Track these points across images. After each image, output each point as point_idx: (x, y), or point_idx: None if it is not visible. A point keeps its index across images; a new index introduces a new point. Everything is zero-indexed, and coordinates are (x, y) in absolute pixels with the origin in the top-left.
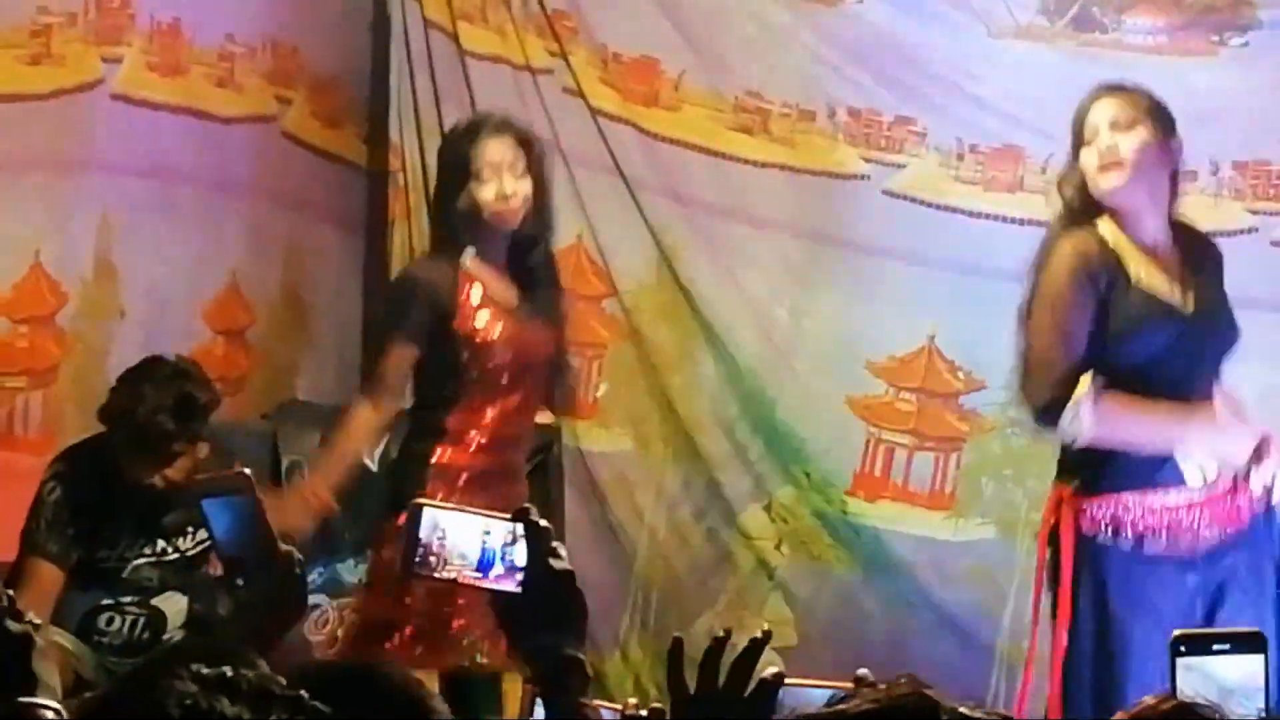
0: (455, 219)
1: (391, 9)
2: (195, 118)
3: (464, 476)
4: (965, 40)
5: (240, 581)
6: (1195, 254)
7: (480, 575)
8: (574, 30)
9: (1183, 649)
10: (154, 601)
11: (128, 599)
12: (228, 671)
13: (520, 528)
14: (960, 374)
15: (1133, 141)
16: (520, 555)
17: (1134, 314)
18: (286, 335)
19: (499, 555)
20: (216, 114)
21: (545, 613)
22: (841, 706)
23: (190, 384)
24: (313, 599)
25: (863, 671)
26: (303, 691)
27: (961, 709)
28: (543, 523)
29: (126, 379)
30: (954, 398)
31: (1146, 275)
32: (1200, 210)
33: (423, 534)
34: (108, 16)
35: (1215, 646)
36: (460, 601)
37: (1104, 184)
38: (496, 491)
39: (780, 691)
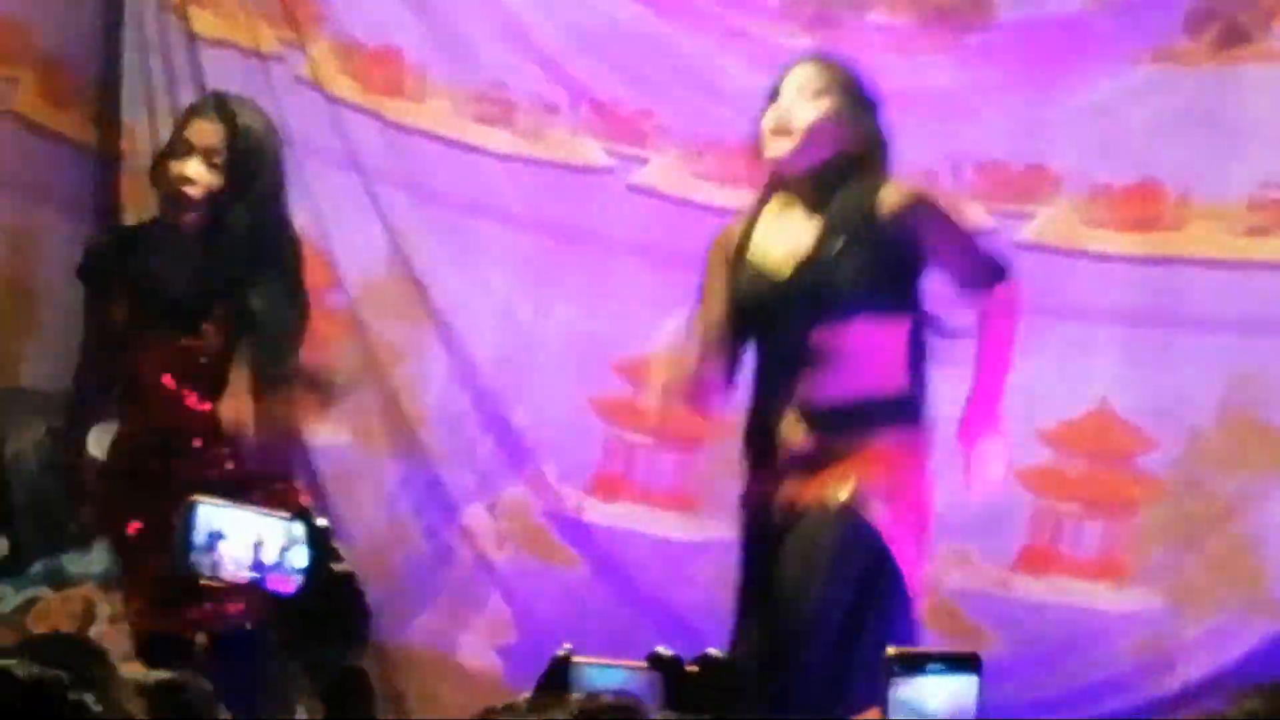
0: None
1: None
2: None
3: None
4: (704, 35)
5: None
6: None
7: (256, 577)
8: (315, 18)
9: (895, 668)
10: None
11: None
12: (13, 666)
13: (300, 528)
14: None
15: (811, 112)
16: (299, 557)
17: (740, 284)
18: (9, 322)
19: (276, 557)
20: None
21: (323, 618)
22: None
23: None
24: (34, 590)
25: (660, 649)
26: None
27: None
28: (322, 522)
29: None
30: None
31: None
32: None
33: (196, 534)
34: None
35: (929, 667)
36: None
37: (770, 150)
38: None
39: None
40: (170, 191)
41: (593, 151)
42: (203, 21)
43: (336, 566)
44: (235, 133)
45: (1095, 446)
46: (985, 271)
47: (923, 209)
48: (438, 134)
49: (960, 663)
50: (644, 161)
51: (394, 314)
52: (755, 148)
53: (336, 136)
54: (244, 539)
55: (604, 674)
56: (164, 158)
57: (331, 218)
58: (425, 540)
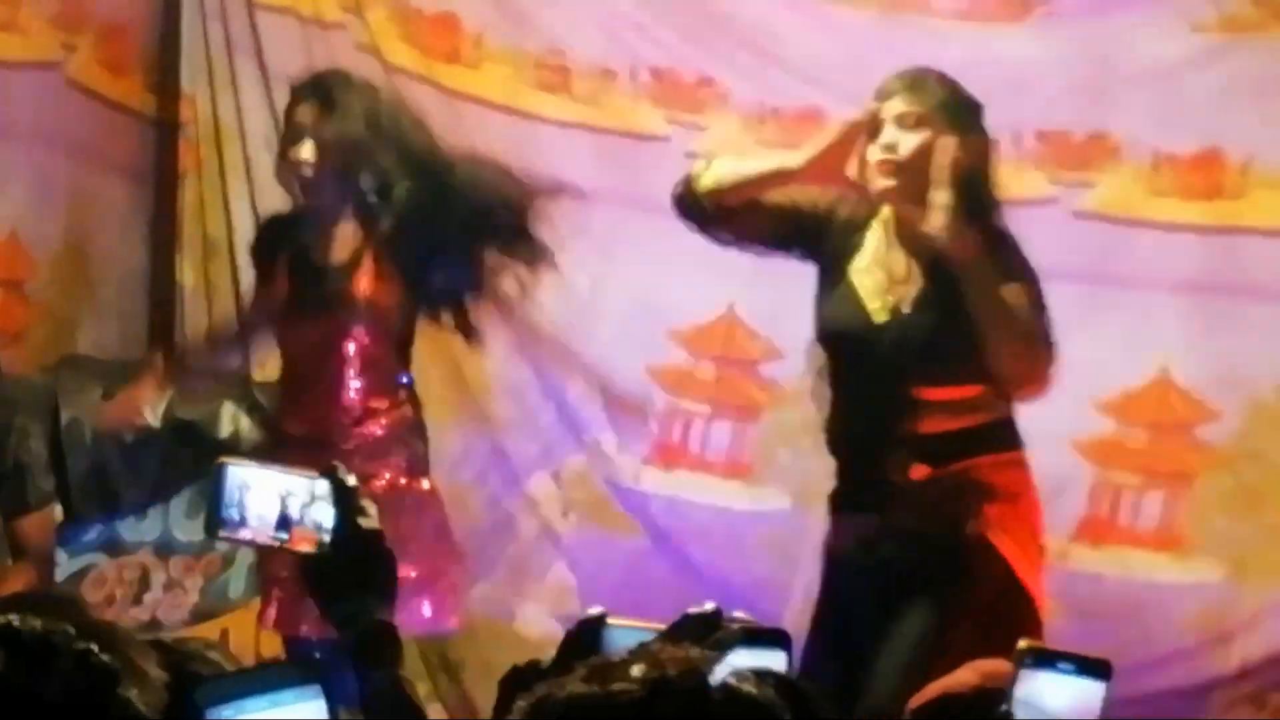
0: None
1: None
2: None
3: None
4: (770, 2)
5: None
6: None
7: (281, 536)
8: None
9: (1027, 661)
10: None
11: None
12: (13, 620)
13: (325, 485)
14: (760, 342)
15: (913, 143)
16: (326, 514)
17: (838, 306)
18: (68, 288)
19: (300, 515)
20: (0, 59)
21: (352, 574)
22: (617, 687)
23: None
24: (89, 558)
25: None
26: (92, 645)
27: (729, 680)
28: (350, 480)
29: None
30: (753, 365)
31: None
32: (1002, 179)
33: (227, 494)
34: None
35: (1060, 665)
36: None
37: (876, 185)
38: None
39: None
40: (289, 179)
41: (652, 119)
42: None
43: (364, 523)
44: (327, 100)
45: (1155, 417)
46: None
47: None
48: (495, 101)
49: (1092, 667)
50: (703, 129)
51: None
52: (861, 176)
53: None
54: (271, 498)
55: (637, 637)
56: (284, 147)
57: None
58: (487, 509)
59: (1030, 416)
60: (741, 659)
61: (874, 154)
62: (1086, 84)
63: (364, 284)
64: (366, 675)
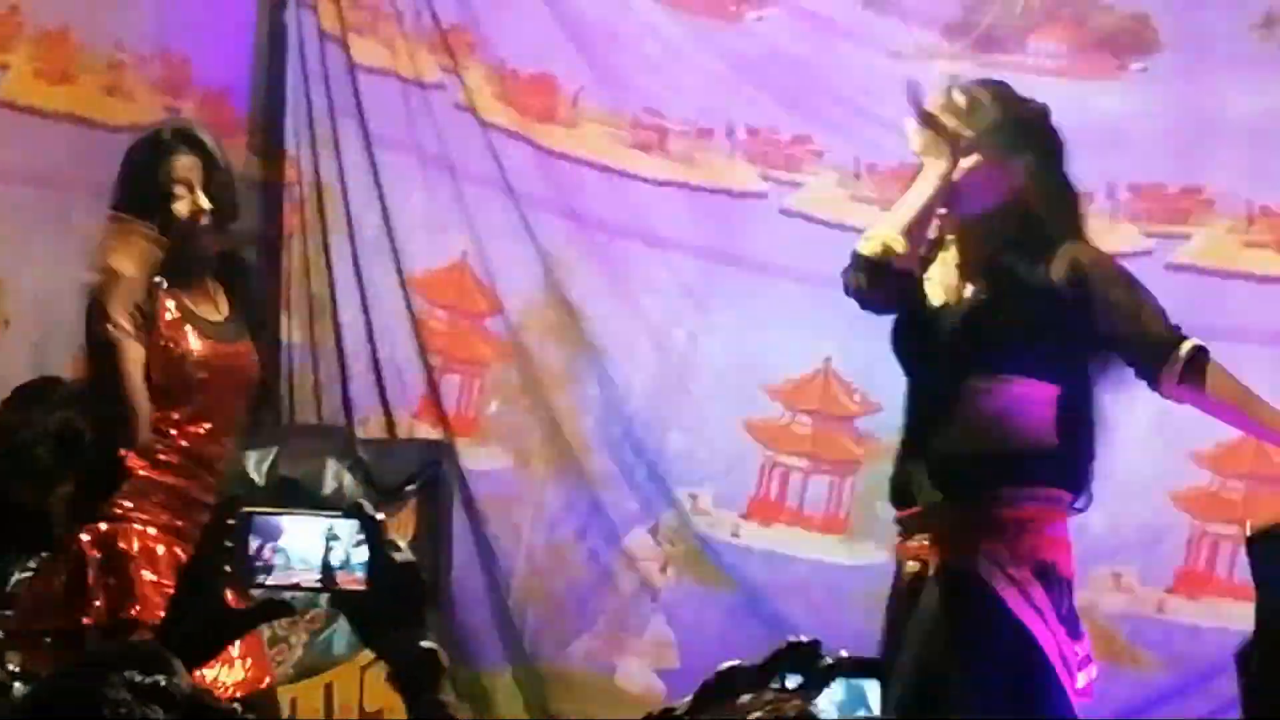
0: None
1: (288, 19)
2: (83, 126)
3: (160, 495)
4: (865, 59)
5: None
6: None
7: (322, 578)
8: (471, 45)
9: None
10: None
11: (8, 613)
12: (161, 680)
13: (353, 524)
14: (856, 396)
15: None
16: (360, 553)
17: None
18: None
19: (346, 556)
20: (105, 122)
21: (391, 607)
22: None
23: (78, 414)
24: None
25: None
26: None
27: None
28: (378, 516)
29: (16, 399)
30: (850, 420)
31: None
32: (1095, 232)
33: (256, 542)
34: None
35: None
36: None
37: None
38: (194, 518)
39: None
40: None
41: (747, 176)
42: (363, 50)
43: (397, 556)
44: (205, 151)
45: (1252, 469)
46: (1160, 356)
47: (1098, 279)
48: (591, 160)
49: None
50: (798, 185)
51: (552, 339)
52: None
53: (492, 163)
54: (308, 541)
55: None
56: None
57: (489, 244)
58: (587, 565)
59: (1128, 468)
60: (840, 688)
61: None
62: (1181, 138)
63: None
64: (413, 703)
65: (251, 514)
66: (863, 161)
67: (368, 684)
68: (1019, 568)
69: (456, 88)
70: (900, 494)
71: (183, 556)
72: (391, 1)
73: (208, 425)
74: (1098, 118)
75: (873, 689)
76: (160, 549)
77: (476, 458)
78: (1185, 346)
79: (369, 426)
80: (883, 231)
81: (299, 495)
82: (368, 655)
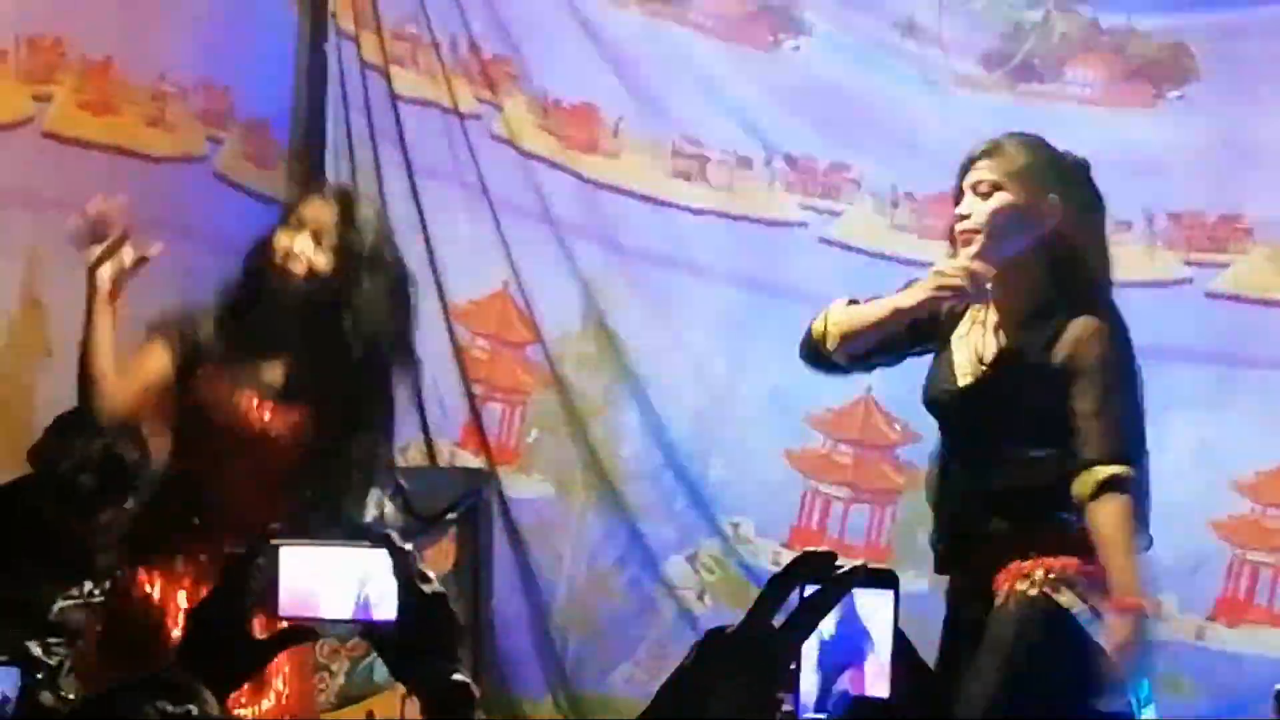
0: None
1: (329, 50)
2: (126, 157)
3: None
4: (902, 87)
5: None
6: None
7: (357, 611)
8: (513, 76)
9: None
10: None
11: (54, 640)
12: (193, 710)
13: (383, 556)
14: (897, 426)
15: (985, 211)
16: (390, 585)
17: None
18: None
19: (379, 593)
20: (148, 153)
21: (421, 639)
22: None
23: (122, 441)
24: None
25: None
26: None
27: None
28: (407, 546)
29: (60, 426)
30: (891, 449)
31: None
32: (1135, 261)
33: (285, 575)
34: (38, 54)
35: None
36: None
37: (961, 254)
38: None
39: None
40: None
41: (787, 205)
42: (404, 81)
43: (426, 588)
44: (351, 219)
45: None
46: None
47: (1084, 370)
48: (632, 189)
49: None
50: (837, 214)
51: (591, 368)
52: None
53: (532, 192)
54: (333, 573)
55: None
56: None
57: (528, 273)
58: (628, 591)
59: (1167, 497)
60: (856, 597)
61: (958, 226)
62: (1219, 166)
63: None
64: None
65: (279, 546)
66: (900, 190)
67: (409, 711)
68: (1095, 597)
69: (495, 118)
70: (955, 522)
71: None
72: (432, 33)
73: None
74: (1136, 147)
75: (885, 600)
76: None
77: (518, 486)
78: (1104, 473)
79: (410, 455)
80: (832, 319)
81: (340, 522)
82: None
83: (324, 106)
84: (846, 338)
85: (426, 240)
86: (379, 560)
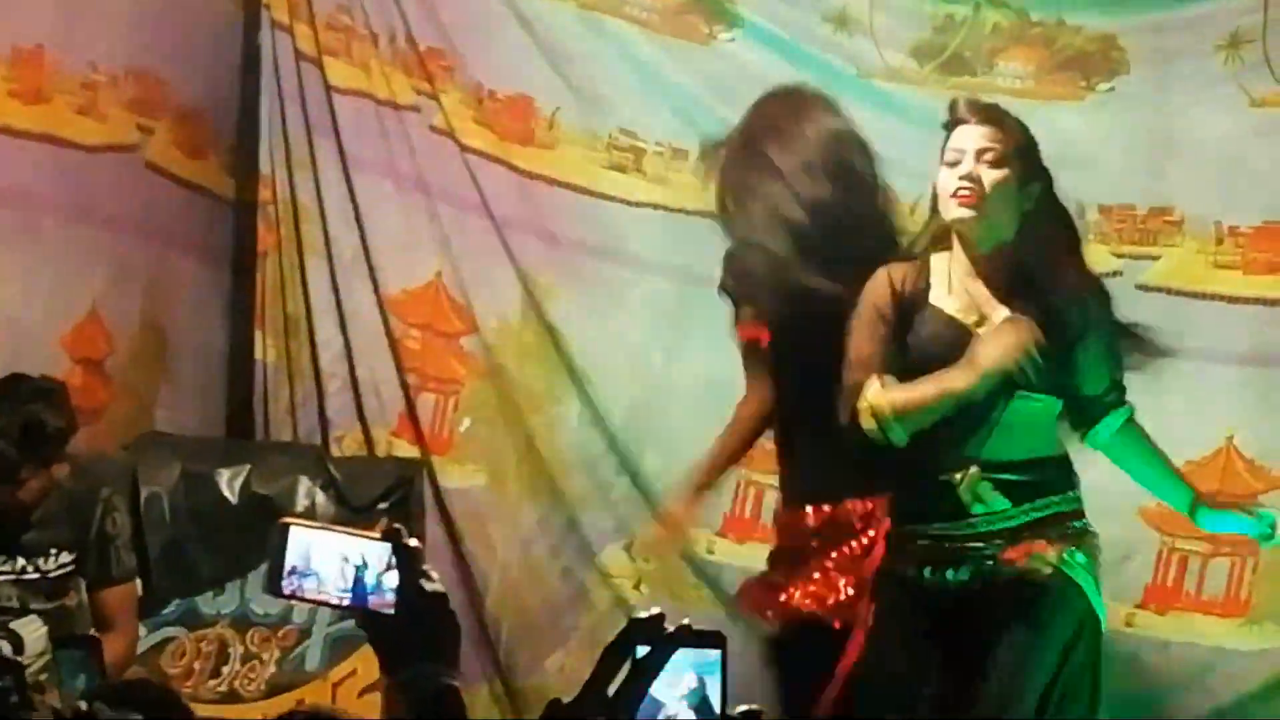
0: None
1: (263, 40)
2: (57, 146)
3: None
4: (835, 80)
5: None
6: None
7: (354, 598)
8: (449, 69)
9: None
10: (12, 625)
11: None
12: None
13: (387, 549)
14: None
15: (992, 179)
16: (392, 578)
17: (925, 334)
18: (146, 366)
19: (374, 577)
20: (78, 142)
21: (419, 637)
22: None
23: (44, 409)
24: (168, 631)
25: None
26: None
27: None
28: (413, 543)
29: None
30: None
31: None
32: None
33: (290, 555)
34: None
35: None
36: None
37: (953, 214)
38: None
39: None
40: None
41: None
42: (338, 72)
43: (429, 586)
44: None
45: (1221, 486)
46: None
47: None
48: (569, 182)
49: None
50: None
51: (529, 359)
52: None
53: (470, 185)
54: (339, 560)
55: None
56: None
57: (466, 265)
58: (561, 582)
59: (1096, 485)
60: (681, 657)
61: (950, 182)
62: (1149, 158)
63: None
64: None
65: (289, 525)
66: None
67: (340, 699)
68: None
69: (433, 110)
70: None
71: None
72: (368, 24)
73: None
74: (1066, 138)
75: (713, 659)
76: None
77: (451, 475)
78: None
79: (346, 444)
80: (888, 405)
81: (271, 512)
82: (340, 671)
83: (259, 97)
84: (906, 421)
85: (361, 230)
86: (383, 553)
